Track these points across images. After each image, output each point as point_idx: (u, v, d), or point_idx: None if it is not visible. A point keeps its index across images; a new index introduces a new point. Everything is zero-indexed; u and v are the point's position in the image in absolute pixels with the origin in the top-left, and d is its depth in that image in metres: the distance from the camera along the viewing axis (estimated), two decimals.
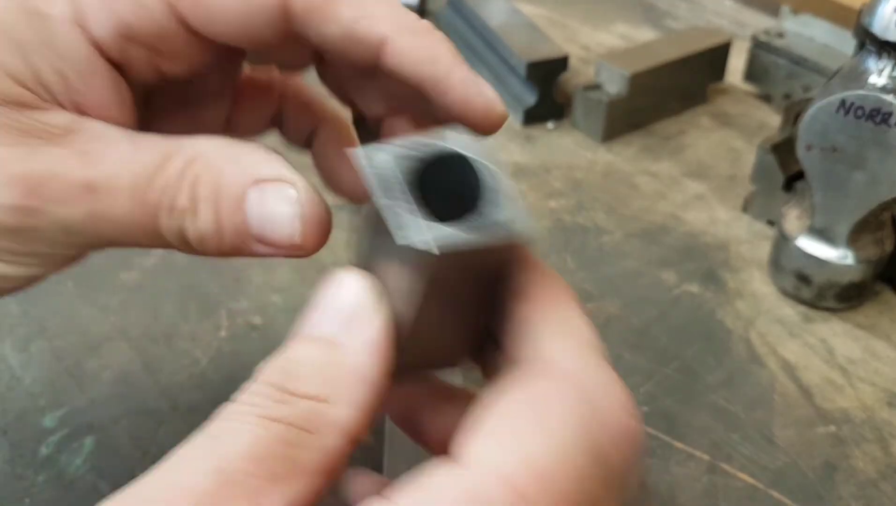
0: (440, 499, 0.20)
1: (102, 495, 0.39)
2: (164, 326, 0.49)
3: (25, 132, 0.26)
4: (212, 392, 0.45)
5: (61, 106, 0.27)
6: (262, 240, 0.26)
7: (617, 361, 0.49)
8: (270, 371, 0.23)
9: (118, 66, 0.28)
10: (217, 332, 0.49)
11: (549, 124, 0.72)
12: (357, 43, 0.27)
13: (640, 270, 0.56)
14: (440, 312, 0.25)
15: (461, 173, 0.23)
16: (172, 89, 0.32)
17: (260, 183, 0.25)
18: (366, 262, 0.25)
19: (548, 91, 0.71)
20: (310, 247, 0.26)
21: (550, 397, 0.21)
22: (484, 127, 0.28)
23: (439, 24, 0.87)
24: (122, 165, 0.26)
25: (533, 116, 0.72)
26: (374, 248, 0.24)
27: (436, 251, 0.21)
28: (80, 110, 0.27)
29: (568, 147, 0.69)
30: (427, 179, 0.23)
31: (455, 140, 0.23)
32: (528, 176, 0.65)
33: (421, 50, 0.26)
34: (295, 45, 0.28)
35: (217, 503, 0.20)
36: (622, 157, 0.68)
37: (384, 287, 0.24)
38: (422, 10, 0.90)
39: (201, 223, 0.26)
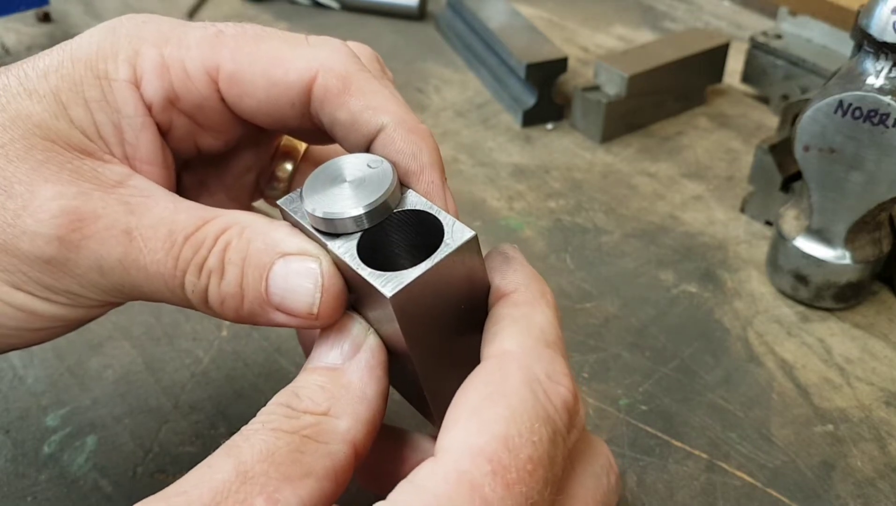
0: (429, 487, 0.23)
1: (104, 494, 0.40)
2: (166, 325, 0.50)
3: (81, 176, 0.28)
4: (213, 391, 0.46)
5: (115, 157, 0.30)
6: (281, 308, 0.28)
7: (615, 361, 0.49)
8: (280, 395, 0.26)
9: (163, 131, 0.31)
10: (218, 331, 0.49)
11: (549, 125, 0.72)
12: (358, 128, 0.30)
13: (639, 270, 0.56)
14: (430, 336, 0.28)
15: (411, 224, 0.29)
16: (205, 166, 0.36)
17: (286, 256, 0.27)
18: (352, 302, 0.29)
19: (547, 92, 0.71)
20: (325, 319, 0.28)
21: (505, 379, 0.25)
22: None
23: (439, 25, 0.87)
24: (162, 219, 0.28)
25: (532, 117, 0.72)
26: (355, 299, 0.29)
27: (389, 294, 0.25)
28: (131, 164, 0.30)
29: (567, 148, 0.70)
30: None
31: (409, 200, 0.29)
32: (527, 176, 0.66)
33: (407, 144, 0.30)
34: (311, 125, 0.32)
35: (236, 497, 0.23)
36: (621, 157, 0.69)
37: (370, 323, 0.28)
38: (422, 12, 0.90)
39: (226, 285, 0.28)
